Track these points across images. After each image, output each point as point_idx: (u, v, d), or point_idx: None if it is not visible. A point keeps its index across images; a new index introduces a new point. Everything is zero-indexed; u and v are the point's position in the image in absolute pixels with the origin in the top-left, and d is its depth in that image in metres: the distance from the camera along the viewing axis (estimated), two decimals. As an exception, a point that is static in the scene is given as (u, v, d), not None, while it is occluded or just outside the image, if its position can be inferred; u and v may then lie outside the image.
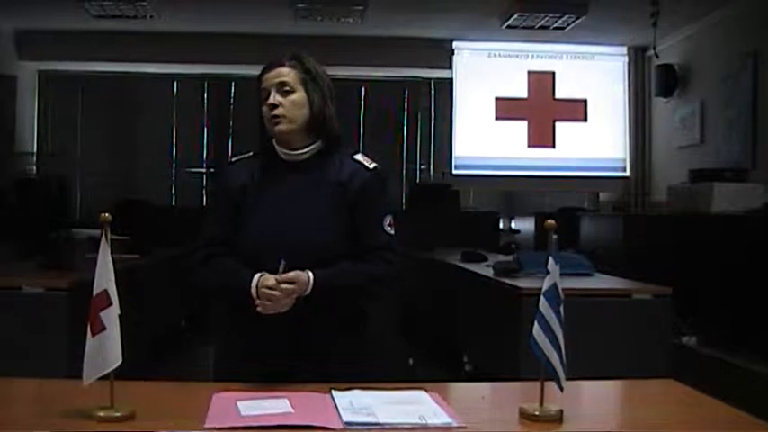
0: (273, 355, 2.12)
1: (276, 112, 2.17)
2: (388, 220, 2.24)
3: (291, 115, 2.18)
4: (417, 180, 10.19)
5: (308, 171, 2.22)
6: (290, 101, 2.19)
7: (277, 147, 2.25)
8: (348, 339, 2.21)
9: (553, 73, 9.76)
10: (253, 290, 2.07)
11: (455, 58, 9.71)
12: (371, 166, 2.26)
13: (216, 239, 2.23)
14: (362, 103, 10.11)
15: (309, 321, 2.12)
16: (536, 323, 1.72)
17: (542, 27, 8.60)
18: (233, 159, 2.35)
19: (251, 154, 2.32)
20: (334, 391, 1.86)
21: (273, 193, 2.21)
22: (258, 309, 2.04)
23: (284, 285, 2.04)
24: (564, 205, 9.29)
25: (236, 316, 2.20)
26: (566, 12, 8.10)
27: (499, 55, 9.77)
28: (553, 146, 9.73)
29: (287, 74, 2.19)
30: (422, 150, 10.31)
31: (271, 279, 2.05)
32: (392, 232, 2.24)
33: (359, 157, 2.28)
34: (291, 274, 2.05)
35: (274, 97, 2.18)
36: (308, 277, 2.07)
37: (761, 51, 7.30)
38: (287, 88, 2.19)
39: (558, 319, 1.71)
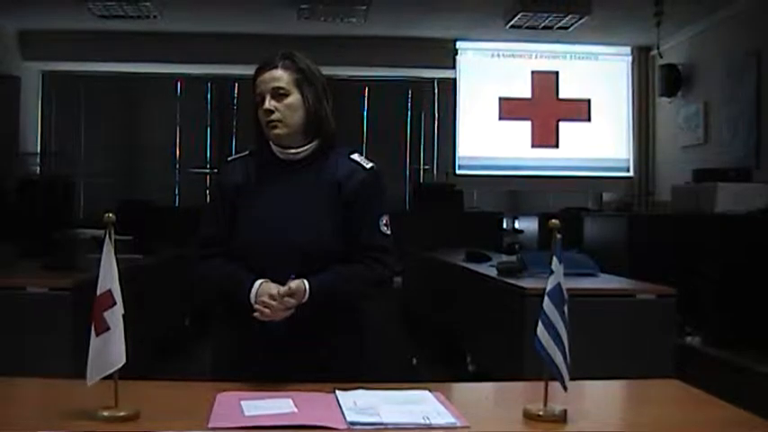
0: (273, 356, 2.11)
1: (272, 117, 2.16)
2: (384, 220, 2.23)
3: (287, 119, 2.17)
4: (421, 180, 10.19)
5: (304, 170, 2.22)
6: (285, 105, 2.17)
7: (273, 146, 2.24)
8: (346, 337, 2.22)
9: (557, 73, 9.77)
10: (252, 297, 2.07)
11: (459, 57, 9.73)
12: (368, 165, 2.25)
13: (212, 239, 2.22)
14: (366, 103, 10.11)
15: (308, 322, 2.12)
16: (540, 323, 1.72)
17: (546, 27, 8.59)
18: (229, 158, 2.35)
19: (247, 152, 2.31)
20: (338, 391, 1.86)
21: (269, 191, 2.20)
22: (255, 315, 2.04)
23: (286, 298, 2.04)
24: (567, 205, 9.26)
25: (235, 318, 2.19)
26: (569, 11, 8.10)
27: (503, 55, 9.78)
28: (557, 146, 9.73)
29: (280, 77, 2.17)
30: (425, 150, 10.31)
31: (273, 289, 2.05)
32: (388, 232, 2.23)
33: (356, 156, 2.27)
34: (292, 284, 2.04)
35: (269, 102, 2.16)
36: (305, 287, 2.07)
37: (764, 51, 7.29)
38: (282, 92, 2.17)
39: (562, 318, 1.71)
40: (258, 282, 2.08)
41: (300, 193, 2.19)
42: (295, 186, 2.20)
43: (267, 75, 2.18)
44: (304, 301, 2.06)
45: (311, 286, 2.07)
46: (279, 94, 2.17)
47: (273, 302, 2.03)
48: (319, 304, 2.09)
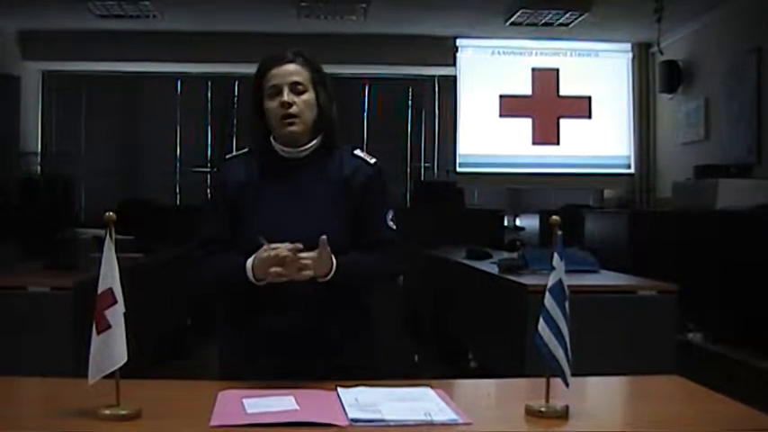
0: (282, 350, 2.11)
1: (291, 111, 2.14)
2: (390, 214, 2.24)
3: (304, 115, 2.16)
4: (422, 178, 10.19)
5: (309, 168, 2.21)
6: (302, 100, 2.16)
7: (275, 144, 2.22)
8: (356, 332, 2.23)
9: (557, 70, 9.74)
10: (248, 271, 2.05)
11: (459, 55, 9.70)
12: (372, 161, 2.26)
13: (213, 239, 2.20)
14: (366, 101, 10.10)
15: (317, 316, 2.12)
16: (541, 319, 1.72)
17: (546, 24, 8.59)
18: (228, 156, 2.33)
19: (246, 150, 2.30)
20: (339, 388, 1.86)
21: (275, 190, 2.19)
22: (270, 279, 2.00)
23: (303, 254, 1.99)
24: (569, 202, 9.26)
25: (242, 312, 2.19)
26: (569, 8, 8.09)
27: (503, 52, 9.76)
28: (557, 143, 9.72)
29: (299, 72, 2.17)
30: (426, 148, 10.30)
31: (269, 250, 2.01)
32: (394, 227, 2.24)
33: (359, 152, 2.27)
34: (323, 241, 2.00)
35: (288, 95, 2.14)
36: (332, 261, 2.05)
37: (765, 47, 7.28)
38: (300, 87, 2.16)
39: (564, 315, 1.71)
40: (251, 258, 2.05)
41: (308, 190, 2.18)
42: (301, 184, 2.19)
43: (284, 68, 2.17)
44: (329, 277, 2.05)
45: (338, 262, 2.06)
46: (297, 90, 2.16)
47: (284, 252, 1.98)
48: (342, 283, 2.08)
